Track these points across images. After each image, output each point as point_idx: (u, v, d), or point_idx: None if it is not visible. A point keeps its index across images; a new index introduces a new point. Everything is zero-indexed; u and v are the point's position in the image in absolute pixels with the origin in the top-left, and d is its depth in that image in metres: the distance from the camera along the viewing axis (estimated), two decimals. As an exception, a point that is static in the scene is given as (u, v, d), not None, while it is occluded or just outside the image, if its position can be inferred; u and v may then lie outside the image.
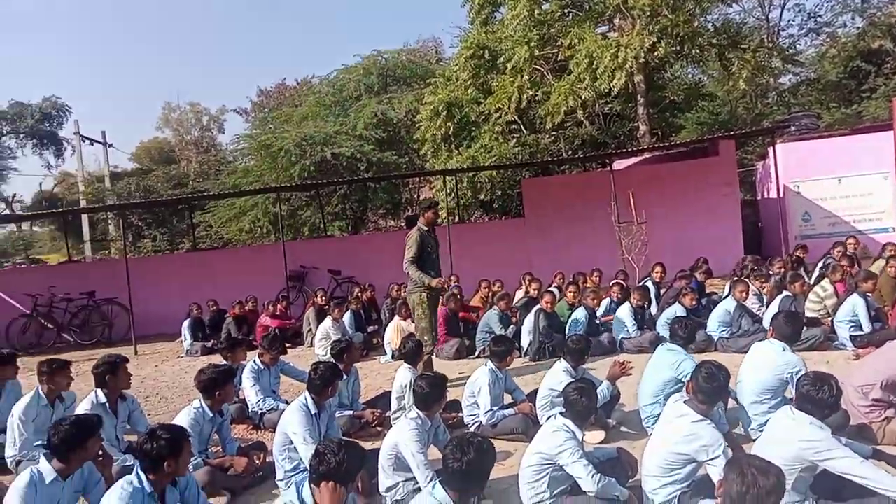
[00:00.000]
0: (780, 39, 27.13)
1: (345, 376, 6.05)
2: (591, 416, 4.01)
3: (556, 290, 9.72)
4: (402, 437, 4.26)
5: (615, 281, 9.52)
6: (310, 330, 10.38)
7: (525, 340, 8.34)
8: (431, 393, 4.34)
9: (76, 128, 28.42)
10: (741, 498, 2.38)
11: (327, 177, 18.54)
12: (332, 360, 5.88)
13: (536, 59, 18.18)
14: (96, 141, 29.62)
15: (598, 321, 8.59)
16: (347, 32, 77.91)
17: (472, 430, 5.65)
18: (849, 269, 8.15)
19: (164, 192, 24.24)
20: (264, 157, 20.32)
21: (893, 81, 19.49)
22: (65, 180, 35.42)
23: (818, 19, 27.41)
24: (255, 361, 6.49)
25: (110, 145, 29.80)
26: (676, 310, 7.90)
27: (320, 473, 2.99)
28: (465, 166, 17.42)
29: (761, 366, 4.74)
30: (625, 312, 8.23)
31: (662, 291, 9.42)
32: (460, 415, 5.85)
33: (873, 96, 21.54)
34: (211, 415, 4.97)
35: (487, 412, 5.55)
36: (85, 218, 26.27)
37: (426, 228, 7.36)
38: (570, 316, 8.54)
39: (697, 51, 17.39)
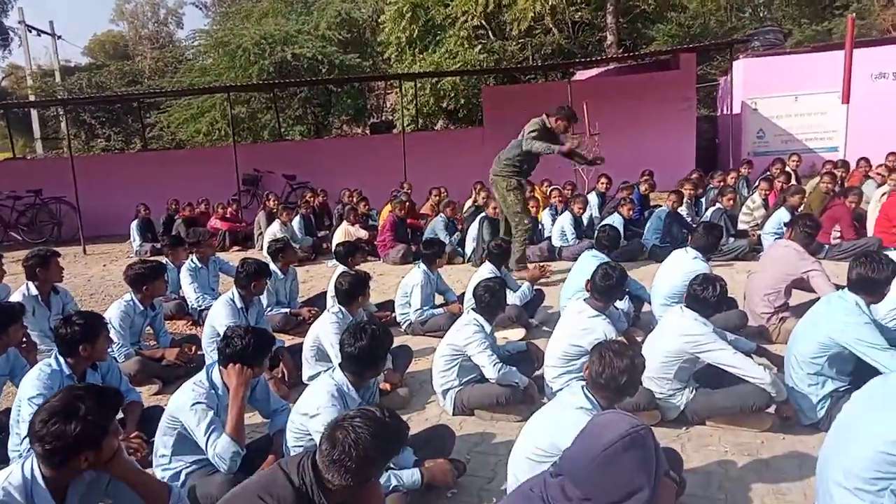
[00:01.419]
0: (758, -50, 26.38)
1: (281, 276, 6.19)
2: (498, 311, 4.19)
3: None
4: (323, 329, 4.44)
5: (553, 187, 9.67)
6: (261, 233, 10.41)
7: (469, 247, 8.52)
8: (352, 289, 4.47)
9: (20, 16, 26.83)
10: (598, 376, 2.60)
11: (288, 78, 18.03)
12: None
13: (506, -41, 17.56)
14: (43, 32, 28.08)
15: (540, 228, 8.79)
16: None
17: (403, 328, 5.89)
18: (784, 184, 8.38)
19: (118, 89, 23.31)
20: (222, 55, 19.56)
21: (865, -2, 19.24)
22: (13, 73, 33.79)
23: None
24: (192, 259, 6.55)
25: (59, 37, 28.27)
26: (614, 219, 8.10)
27: (227, 355, 3.14)
28: (427, 71, 17.05)
29: (673, 271, 4.96)
30: (565, 220, 8.42)
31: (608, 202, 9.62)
32: (393, 314, 6.05)
33: (846, 13, 21.32)
34: (142, 308, 5.07)
35: (417, 311, 5.76)
36: (35, 114, 25.26)
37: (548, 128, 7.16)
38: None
39: (670, -43, 16.95)
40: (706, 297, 3.61)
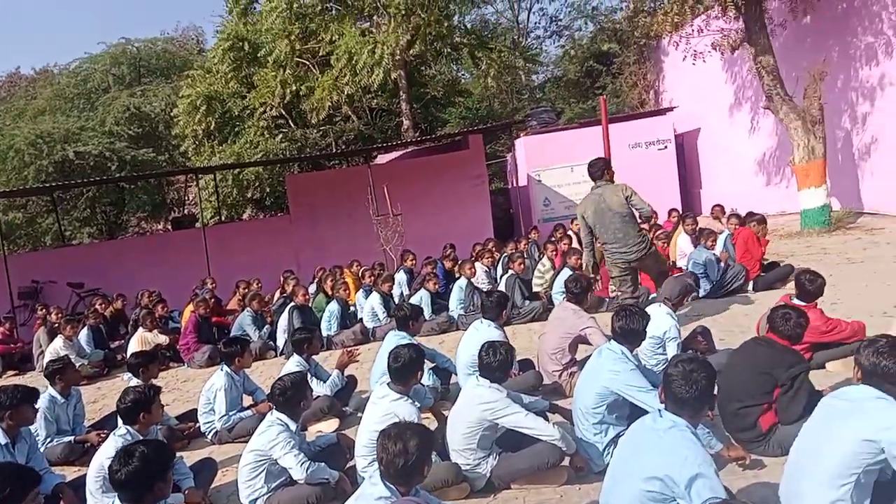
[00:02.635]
0: (529, 40, 29.78)
1: (62, 399, 5.53)
2: (299, 404, 4.07)
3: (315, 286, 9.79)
4: (108, 455, 4.00)
5: (364, 269, 9.84)
6: (41, 352, 9.26)
7: (280, 339, 8.27)
8: (135, 406, 4.10)
9: None
10: (381, 463, 2.66)
11: (71, 178, 16.65)
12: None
13: (299, 52, 18.05)
14: None
15: (352, 311, 8.81)
16: (98, 17, 69.71)
17: (209, 437, 5.50)
18: (567, 246, 9.24)
19: None
20: (-11, 158, 17.66)
21: (619, 80, 22.34)
22: None
23: (559, 23, 30.57)
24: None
25: None
26: (422, 295, 8.37)
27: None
28: (226, 163, 16.72)
29: (470, 341, 5.20)
30: (375, 301, 8.52)
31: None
32: (198, 424, 5.64)
33: (604, 93, 24.62)
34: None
35: (223, 417, 5.42)
36: None
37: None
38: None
39: (450, 49, 18.52)
40: (491, 364, 3.84)
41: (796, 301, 4.81)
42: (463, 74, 27.40)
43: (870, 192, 11.66)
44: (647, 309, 5.32)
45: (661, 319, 5.00)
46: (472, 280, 8.45)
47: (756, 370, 3.76)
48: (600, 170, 6.76)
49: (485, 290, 8.19)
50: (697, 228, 8.89)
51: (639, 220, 6.79)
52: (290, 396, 3.97)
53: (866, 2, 11.27)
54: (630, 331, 3.97)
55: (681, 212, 12.00)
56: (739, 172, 15.25)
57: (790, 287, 6.19)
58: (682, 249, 8.79)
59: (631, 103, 20.72)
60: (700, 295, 7.57)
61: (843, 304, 6.44)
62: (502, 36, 27.78)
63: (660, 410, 2.82)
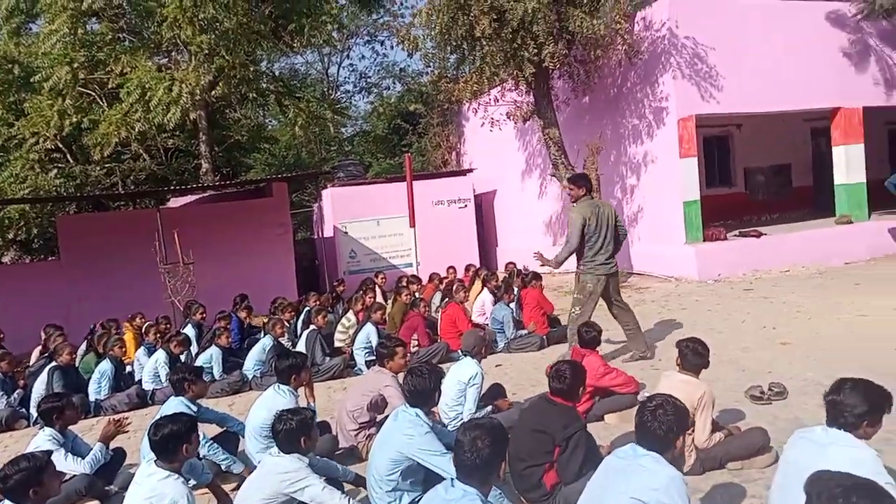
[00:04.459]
0: (338, 94, 30.09)
1: None
2: (28, 494, 3.35)
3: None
4: None
5: (148, 324, 8.90)
6: None
7: (33, 408, 7.07)
8: None
9: None
10: None
11: None
12: None
13: (83, 81, 16.39)
14: None
15: (129, 371, 7.85)
16: None
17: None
18: (371, 300, 9.17)
19: None
20: None
21: (424, 139, 23.28)
22: None
23: (368, 80, 31.33)
24: None
25: None
26: (213, 352, 7.73)
27: None
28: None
29: (261, 406, 4.81)
30: (160, 359, 7.68)
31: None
32: None
33: (410, 150, 25.48)
34: None
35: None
36: None
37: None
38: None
39: (256, 94, 18.02)
40: (279, 429, 3.56)
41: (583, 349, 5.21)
42: (270, 121, 26.84)
43: (638, 256, 13.17)
44: (457, 362, 5.39)
45: (468, 367, 5.08)
46: (281, 340, 7.96)
47: (536, 430, 3.86)
48: (591, 183, 7.20)
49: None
50: (497, 285, 9.32)
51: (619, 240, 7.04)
52: (22, 479, 3.18)
53: (632, 89, 12.95)
54: (421, 391, 3.90)
55: (478, 267, 12.57)
56: (531, 232, 16.46)
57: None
58: (484, 305, 9.12)
59: (435, 162, 21.65)
60: (496, 350, 7.88)
61: (619, 358, 7.04)
62: (312, 87, 27.80)
63: (452, 479, 2.74)
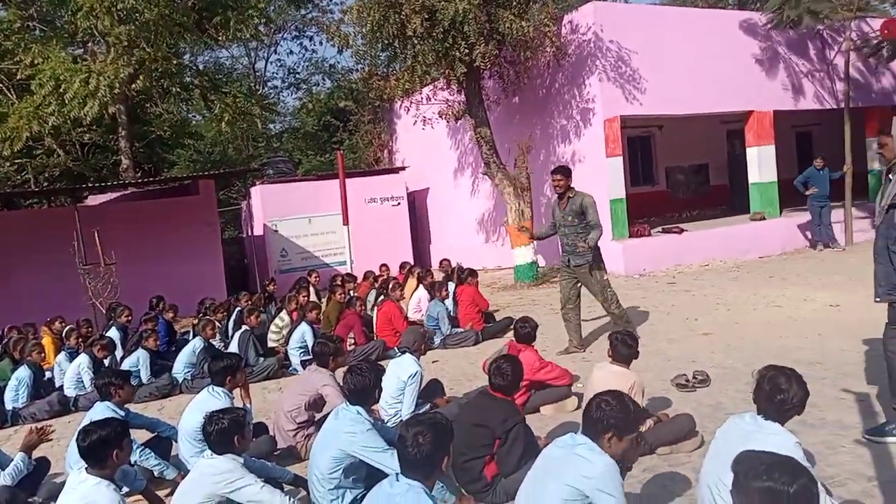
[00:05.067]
0: (266, 89, 29.44)
1: None
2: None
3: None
4: None
5: (68, 327, 8.49)
6: None
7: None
8: None
9: None
10: None
11: None
12: None
13: (-12, 72, 15.46)
14: None
15: (48, 377, 7.47)
16: None
17: None
18: (305, 299, 9.06)
19: None
20: None
21: (356, 136, 23.08)
22: None
23: (297, 76, 30.80)
24: None
25: None
26: (140, 355, 7.46)
27: None
28: None
29: (195, 409, 4.69)
30: (84, 364, 7.33)
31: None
32: None
33: (341, 147, 25.21)
34: None
35: None
36: None
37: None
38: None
39: (179, 89, 17.43)
40: (210, 431, 3.49)
41: (520, 344, 5.33)
42: (194, 116, 26.00)
43: (567, 251, 13.52)
44: (396, 359, 5.40)
45: (408, 364, 5.11)
46: (212, 341, 7.73)
47: (477, 424, 3.95)
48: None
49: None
50: (432, 282, 9.38)
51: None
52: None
53: (561, 90, 13.30)
54: (361, 389, 3.91)
55: (412, 265, 12.60)
56: (463, 230, 16.63)
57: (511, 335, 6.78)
58: (420, 302, 9.15)
59: (367, 160, 21.53)
60: (433, 346, 7.94)
61: (551, 350, 7.24)
62: (238, 82, 27.08)
63: (397, 474, 2.78)
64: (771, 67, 13.92)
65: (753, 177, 13.93)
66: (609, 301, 7.09)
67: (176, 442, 4.98)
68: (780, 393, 2.98)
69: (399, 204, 16.89)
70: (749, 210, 14.04)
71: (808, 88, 14.39)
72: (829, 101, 14.62)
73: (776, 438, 2.88)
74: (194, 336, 7.91)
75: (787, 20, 12.91)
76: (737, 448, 2.47)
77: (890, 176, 4.21)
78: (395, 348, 6.67)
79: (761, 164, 13.76)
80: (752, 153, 13.91)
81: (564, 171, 7.09)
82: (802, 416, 3.14)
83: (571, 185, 7.05)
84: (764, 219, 13.58)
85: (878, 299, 4.29)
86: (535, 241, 12.54)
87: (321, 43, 31.22)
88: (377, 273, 11.25)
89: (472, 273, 9.00)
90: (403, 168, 18.19)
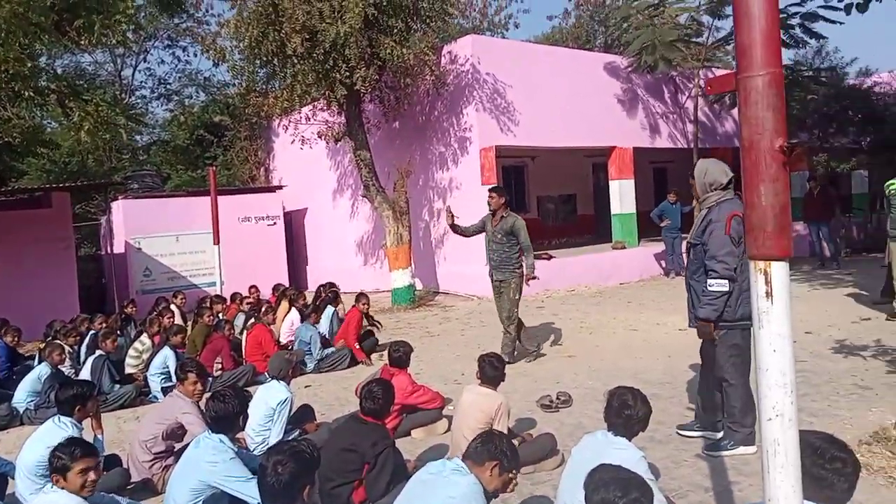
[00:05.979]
0: (133, 99, 27.81)
1: None
2: None
3: None
4: None
5: None
6: None
7: None
8: None
9: None
10: None
11: None
12: None
13: None
14: None
15: None
16: None
17: None
18: (169, 322, 8.58)
19: None
20: None
21: (230, 153, 22.27)
22: None
23: (168, 86, 29.34)
24: None
25: None
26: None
27: None
28: None
29: (38, 441, 4.30)
30: None
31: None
32: None
33: (214, 163, 24.20)
34: None
35: None
36: None
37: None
38: None
39: (33, 93, 16.04)
40: (59, 467, 3.23)
41: (392, 367, 5.35)
42: (49, 123, 23.99)
43: (444, 276, 13.79)
44: (266, 384, 5.22)
45: (277, 391, 4.96)
46: (61, 367, 7.09)
47: (345, 449, 3.92)
48: None
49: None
50: (305, 304, 9.20)
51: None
52: None
53: (440, 118, 13.64)
54: (224, 417, 3.78)
55: (285, 286, 12.30)
56: (341, 251, 16.50)
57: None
58: (293, 325, 8.93)
59: (242, 177, 20.86)
60: (305, 371, 7.78)
61: (424, 373, 7.33)
62: (102, 89, 25.34)
63: (258, 504, 2.72)
64: (631, 107, 15.08)
65: (615, 208, 14.95)
66: (510, 321, 7.54)
67: (13, 479, 4.54)
68: (626, 409, 3.23)
69: (275, 224, 16.49)
70: (611, 239, 15.02)
71: (664, 128, 15.72)
72: (682, 140, 16.05)
73: (623, 453, 3.11)
74: (40, 361, 7.26)
75: (645, 65, 14.08)
76: (590, 464, 2.64)
77: (702, 212, 4.64)
78: (265, 374, 6.48)
79: (622, 196, 14.80)
80: (614, 186, 14.94)
81: (499, 191, 7.64)
82: (651, 432, 3.41)
83: (504, 205, 7.55)
84: (624, 248, 14.58)
85: (690, 325, 4.75)
86: (412, 265, 12.71)
87: (195, 54, 30.08)
88: (244, 295, 10.86)
89: (362, 295, 8.82)
90: (280, 187, 17.80)
